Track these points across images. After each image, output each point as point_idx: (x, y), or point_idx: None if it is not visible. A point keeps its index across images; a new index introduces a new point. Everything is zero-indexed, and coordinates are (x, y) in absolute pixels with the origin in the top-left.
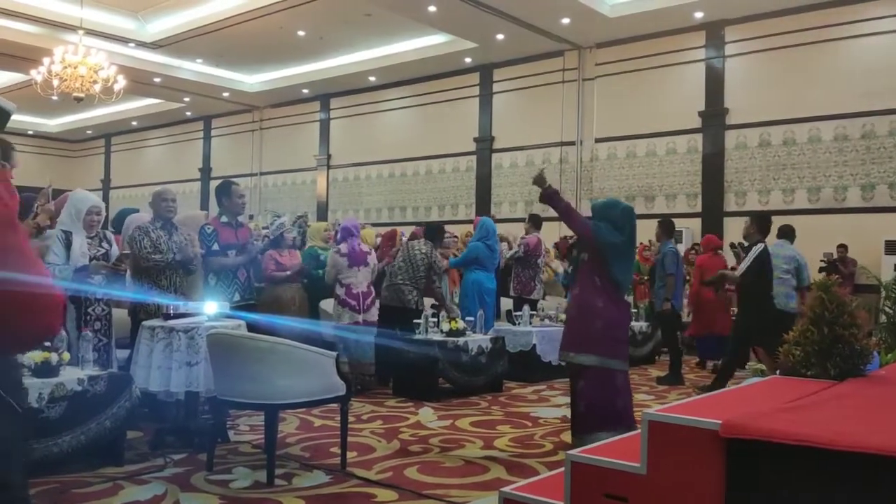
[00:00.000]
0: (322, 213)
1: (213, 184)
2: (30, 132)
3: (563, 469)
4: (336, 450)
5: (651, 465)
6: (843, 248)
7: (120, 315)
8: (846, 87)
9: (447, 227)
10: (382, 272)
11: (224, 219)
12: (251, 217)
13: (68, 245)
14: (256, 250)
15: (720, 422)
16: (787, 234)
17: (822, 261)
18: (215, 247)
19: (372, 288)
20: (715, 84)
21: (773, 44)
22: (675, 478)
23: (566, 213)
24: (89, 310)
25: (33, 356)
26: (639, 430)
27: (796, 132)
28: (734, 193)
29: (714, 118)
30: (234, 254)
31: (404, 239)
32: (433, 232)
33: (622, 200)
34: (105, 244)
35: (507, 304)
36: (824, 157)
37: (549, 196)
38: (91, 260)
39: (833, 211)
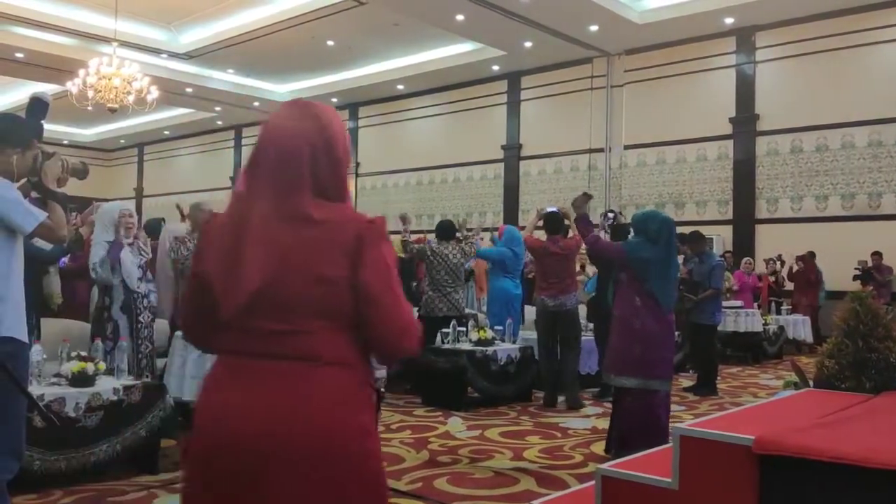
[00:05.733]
0: None
1: None
2: (65, 142)
3: (593, 483)
4: None
5: (683, 481)
6: (877, 255)
7: (160, 324)
8: (880, 92)
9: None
10: None
11: None
12: None
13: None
14: None
15: (753, 437)
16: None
17: (856, 269)
18: None
19: None
20: (745, 90)
21: (805, 49)
22: (707, 494)
23: (594, 243)
24: (139, 317)
25: (70, 366)
26: (671, 444)
27: (829, 138)
28: (766, 200)
29: (745, 124)
30: None
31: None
32: (448, 232)
33: (661, 211)
34: (143, 253)
35: (529, 311)
36: (858, 163)
37: (583, 221)
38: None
39: (867, 218)
